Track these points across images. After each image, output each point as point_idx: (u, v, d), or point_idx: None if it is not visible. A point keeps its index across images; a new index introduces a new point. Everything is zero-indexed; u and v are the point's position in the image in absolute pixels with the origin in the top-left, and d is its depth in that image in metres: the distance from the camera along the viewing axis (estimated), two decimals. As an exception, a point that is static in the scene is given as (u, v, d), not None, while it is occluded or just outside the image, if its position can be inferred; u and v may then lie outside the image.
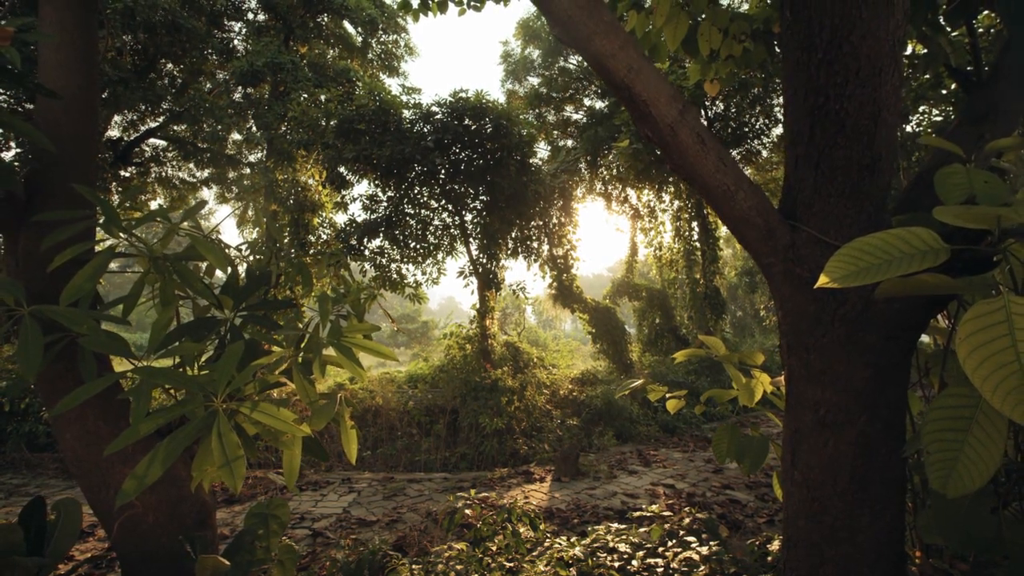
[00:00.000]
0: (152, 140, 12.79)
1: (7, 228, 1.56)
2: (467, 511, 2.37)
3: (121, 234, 1.26)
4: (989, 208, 1.10)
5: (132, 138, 12.04)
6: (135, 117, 11.88)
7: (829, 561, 1.73)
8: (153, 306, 1.57)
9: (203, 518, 1.72)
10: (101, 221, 1.44)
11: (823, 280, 1.21)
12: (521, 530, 2.37)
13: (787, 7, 1.51)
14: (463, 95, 8.95)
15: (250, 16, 11.81)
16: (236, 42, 11.77)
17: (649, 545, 2.27)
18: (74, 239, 1.36)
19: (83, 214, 1.35)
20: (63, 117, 1.61)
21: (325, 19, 12.47)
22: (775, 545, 2.48)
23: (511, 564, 2.04)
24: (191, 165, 14.18)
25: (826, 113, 1.48)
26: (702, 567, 1.98)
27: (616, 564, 2.04)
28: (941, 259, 1.13)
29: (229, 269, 1.63)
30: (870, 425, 1.68)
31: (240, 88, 11.22)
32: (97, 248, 1.53)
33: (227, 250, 1.84)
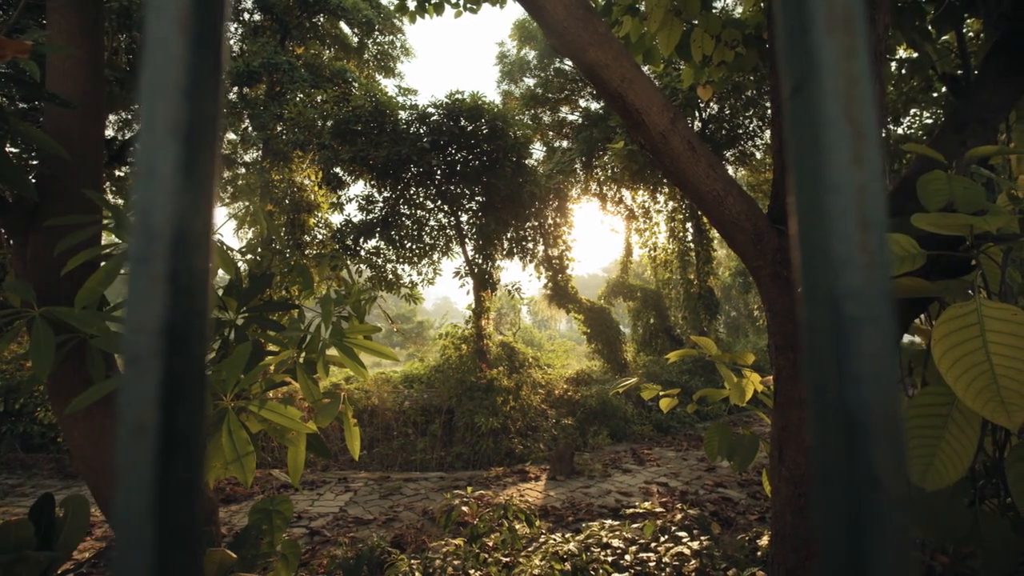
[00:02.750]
0: (147, 139, 12.76)
1: (16, 231, 1.60)
2: (464, 508, 2.41)
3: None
4: (962, 216, 1.16)
5: (127, 137, 12.01)
6: (129, 116, 11.85)
7: (815, 554, 1.79)
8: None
9: (207, 515, 1.76)
10: (108, 224, 1.48)
11: (807, 284, 1.26)
12: (517, 527, 2.42)
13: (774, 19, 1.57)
14: (459, 96, 8.99)
15: (246, 16, 11.81)
16: (232, 42, 11.76)
17: (642, 541, 2.33)
18: (86, 243, 1.40)
19: (93, 218, 1.39)
20: (71, 122, 1.65)
21: (321, 20, 12.48)
22: (764, 540, 2.54)
23: (507, 559, 2.09)
24: (186, 165, 14.11)
25: (811, 122, 1.54)
26: (693, 561, 2.04)
27: (609, 559, 2.10)
28: (918, 264, 1.18)
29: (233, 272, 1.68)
30: (854, 423, 1.74)
31: (236, 88, 11.22)
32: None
33: (230, 252, 1.88)
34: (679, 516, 2.55)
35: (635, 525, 2.59)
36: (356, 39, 13.48)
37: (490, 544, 2.24)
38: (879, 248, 0.09)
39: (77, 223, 1.37)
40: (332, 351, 1.52)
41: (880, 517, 0.09)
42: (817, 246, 0.10)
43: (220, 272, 1.86)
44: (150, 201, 0.10)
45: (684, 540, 2.21)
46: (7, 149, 1.95)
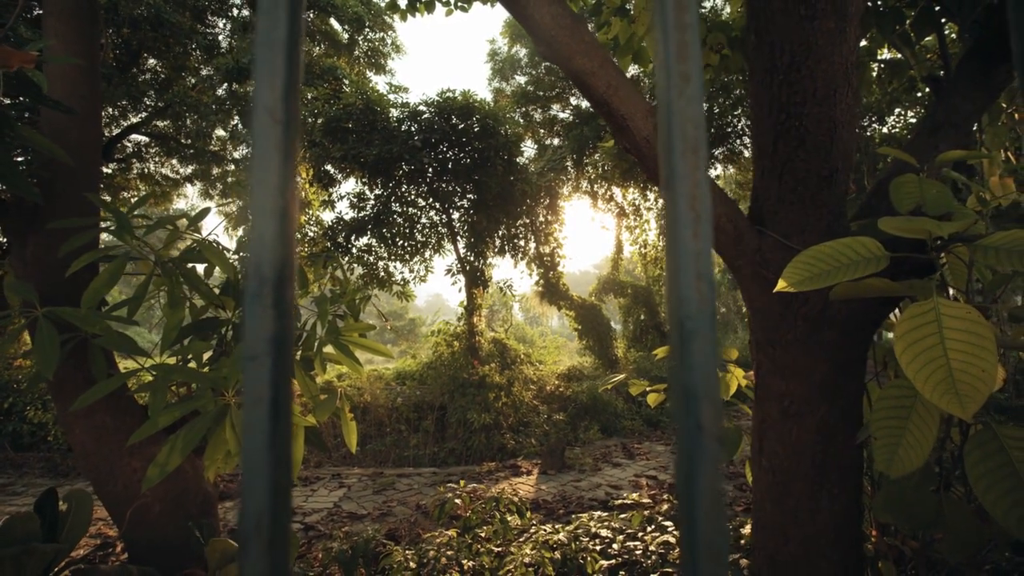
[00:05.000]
0: (134, 136, 12.65)
1: (16, 233, 1.63)
2: (457, 501, 2.47)
3: (132, 240, 1.35)
4: (922, 220, 1.24)
5: (114, 134, 11.90)
6: (117, 113, 11.73)
7: (793, 540, 1.87)
8: (155, 307, 1.64)
9: (206, 508, 1.81)
10: (108, 227, 1.52)
11: (781, 284, 1.33)
12: (508, 519, 2.48)
13: (752, 31, 1.64)
14: (450, 94, 9.02)
15: (235, 12, 11.73)
16: (220, 38, 11.68)
17: (630, 530, 2.41)
18: (88, 246, 1.44)
19: (93, 221, 1.43)
20: (69, 125, 1.68)
21: (311, 16, 12.42)
22: (748, 529, 2.63)
23: (499, 549, 2.16)
24: (174, 161, 14.03)
25: (787, 129, 1.60)
26: (678, 549, 2.12)
27: (598, 548, 2.17)
28: (882, 265, 1.26)
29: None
30: (830, 414, 1.82)
31: (225, 85, 11.15)
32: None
33: (227, 253, 1.92)
34: (666, 507, 2.63)
35: (623, 516, 2.67)
36: (346, 36, 13.43)
37: (483, 535, 2.31)
38: (708, 290, 0.16)
39: (78, 226, 1.41)
40: (328, 348, 1.58)
41: (702, 449, 0.15)
42: (675, 287, 0.16)
43: (216, 271, 1.90)
44: (261, 257, 0.16)
45: (670, 529, 2.29)
46: None
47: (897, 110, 9.27)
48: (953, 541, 1.57)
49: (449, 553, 2.08)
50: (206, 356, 1.72)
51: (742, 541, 2.56)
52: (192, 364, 1.60)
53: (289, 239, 0.17)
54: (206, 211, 1.57)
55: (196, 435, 1.13)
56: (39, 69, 1.76)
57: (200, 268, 1.95)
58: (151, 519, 1.71)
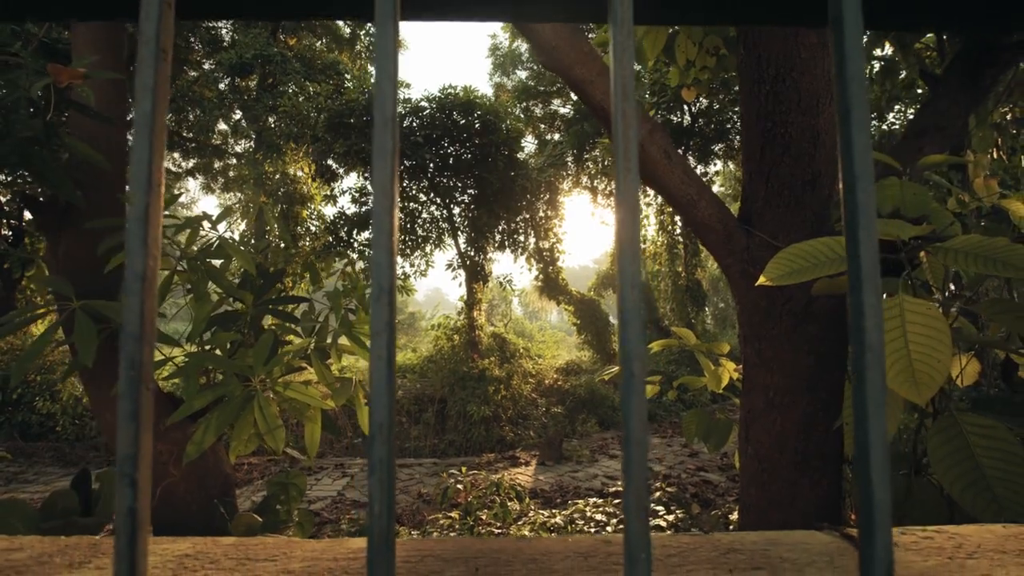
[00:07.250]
0: (137, 130, 12.69)
1: (49, 229, 1.73)
2: (459, 487, 2.60)
3: (163, 239, 1.46)
4: (891, 224, 1.34)
5: (117, 128, 11.96)
6: (120, 106, 11.79)
7: (774, 523, 1.98)
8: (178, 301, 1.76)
9: (226, 489, 1.93)
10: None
11: (762, 279, 1.44)
12: (508, 503, 2.61)
13: (741, 43, 1.74)
14: (451, 90, 9.10)
15: (237, 6, 11.74)
16: (223, 32, 11.72)
17: (623, 515, 2.53)
18: (120, 245, 1.55)
19: (123, 222, 1.54)
20: (98, 131, 1.78)
21: (313, 10, 12.44)
22: (736, 515, 2.75)
23: (499, 531, 2.28)
24: (176, 155, 14.10)
25: (773, 136, 1.71)
26: (668, 532, 2.25)
27: (593, 530, 2.30)
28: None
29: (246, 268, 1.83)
30: (812, 405, 1.93)
31: (228, 80, 11.20)
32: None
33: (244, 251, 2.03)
34: (658, 493, 2.76)
35: (617, 502, 2.80)
36: (348, 31, 13.47)
37: (483, 518, 2.43)
38: (639, 295, 0.27)
39: (111, 225, 1.52)
40: (342, 340, 1.69)
41: (633, 384, 0.26)
42: (620, 292, 0.27)
43: (233, 263, 2.01)
44: (380, 276, 0.27)
45: (660, 513, 2.42)
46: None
47: (897, 107, 9.33)
48: (921, 520, 1.69)
49: (452, 534, 2.21)
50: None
51: (730, 527, 2.68)
52: (217, 353, 1.71)
53: (394, 264, 0.28)
54: (228, 211, 1.68)
55: (227, 417, 1.24)
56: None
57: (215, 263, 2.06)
58: (175, 499, 1.83)
